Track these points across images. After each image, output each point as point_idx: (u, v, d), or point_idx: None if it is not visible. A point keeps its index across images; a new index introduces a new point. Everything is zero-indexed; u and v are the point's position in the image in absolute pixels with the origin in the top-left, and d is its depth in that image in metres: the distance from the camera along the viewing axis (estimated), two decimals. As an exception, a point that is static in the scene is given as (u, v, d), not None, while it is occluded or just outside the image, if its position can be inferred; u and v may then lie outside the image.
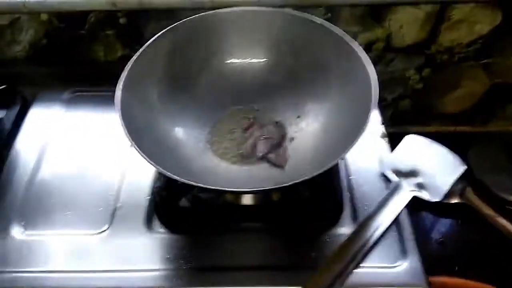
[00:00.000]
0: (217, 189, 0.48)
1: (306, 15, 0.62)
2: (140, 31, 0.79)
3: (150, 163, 0.48)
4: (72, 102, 0.75)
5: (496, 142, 0.99)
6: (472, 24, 0.78)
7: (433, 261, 0.62)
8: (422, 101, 0.94)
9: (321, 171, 0.48)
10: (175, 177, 0.48)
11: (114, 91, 0.55)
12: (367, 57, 0.57)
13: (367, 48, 0.79)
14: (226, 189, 0.48)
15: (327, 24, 0.61)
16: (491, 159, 0.92)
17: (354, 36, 0.60)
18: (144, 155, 0.49)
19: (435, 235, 0.80)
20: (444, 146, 0.68)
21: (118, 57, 0.83)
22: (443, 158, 0.66)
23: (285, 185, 0.48)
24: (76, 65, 0.83)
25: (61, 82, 0.79)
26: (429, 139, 0.68)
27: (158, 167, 0.48)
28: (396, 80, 0.88)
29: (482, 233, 0.83)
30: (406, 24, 0.78)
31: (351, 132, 0.54)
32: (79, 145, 0.68)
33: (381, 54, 0.83)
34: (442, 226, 0.82)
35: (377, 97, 0.53)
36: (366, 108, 0.53)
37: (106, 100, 0.73)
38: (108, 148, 0.67)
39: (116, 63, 0.82)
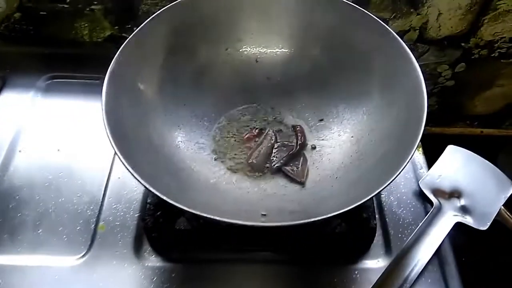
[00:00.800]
0: (222, 221, 0.37)
1: (337, -3, 0.51)
2: (133, 7, 0.66)
3: (139, 181, 0.37)
4: (49, 89, 0.64)
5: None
6: (520, 16, 0.67)
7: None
8: (450, 100, 0.84)
9: (353, 205, 0.37)
10: (170, 201, 0.36)
11: (99, 79, 0.44)
12: (411, 53, 0.46)
13: (398, 38, 0.68)
14: (233, 221, 0.37)
15: (363, 10, 0.49)
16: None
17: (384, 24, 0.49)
18: (132, 170, 0.37)
19: (462, 254, 0.72)
20: (488, 162, 0.58)
21: (106, 37, 0.71)
22: (488, 175, 0.56)
23: (306, 221, 0.37)
24: (55, 45, 0.70)
25: (36, 65, 0.67)
26: (472, 153, 0.58)
27: (149, 187, 0.37)
28: (426, 75, 0.77)
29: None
30: (446, 12, 0.66)
31: (394, 147, 0.43)
32: (55, 143, 0.57)
33: (412, 46, 0.72)
34: (470, 244, 0.74)
35: (427, 104, 0.43)
36: (415, 118, 0.42)
37: (90, 88, 0.63)
38: (91, 149, 0.56)
39: (103, 45, 0.71)
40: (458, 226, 0.52)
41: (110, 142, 0.38)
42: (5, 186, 0.52)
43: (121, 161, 0.37)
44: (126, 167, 0.37)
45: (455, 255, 0.50)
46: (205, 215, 0.36)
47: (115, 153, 0.38)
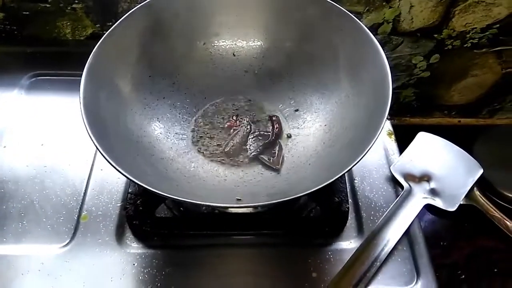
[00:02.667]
0: (200, 204, 0.39)
1: (308, -9, 0.53)
2: (113, 5, 0.68)
3: (118, 170, 0.39)
4: (32, 87, 0.65)
5: (503, 135, 0.93)
6: (489, 7, 0.70)
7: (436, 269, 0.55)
8: (426, 91, 0.86)
9: (323, 184, 0.39)
10: (149, 188, 0.38)
11: (81, 75, 0.45)
12: (378, 43, 0.48)
13: (372, 31, 0.70)
14: (210, 204, 0.39)
15: (332, 3, 0.51)
16: (497, 154, 0.85)
17: (358, 17, 0.51)
18: (111, 160, 0.39)
19: (437, 239, 0.74)
20: (458, 147, 0.60)
21: (88, 35, 0.72)
22: (457, 160, 0.59)
23: (278, 201, 0.39)
24: (38, 44, 0.71)
25: (20, 63, 0.68)
26: (442, 138, 0.60)
27: (128, 175, 0.39)
28: (401, 67, 0.80)
29: (489, 237, 0.77)
30: (417, 4, 0.69)
31: (362, 133, 0.45)
32: (39, 138, 0.59)
33: (386, 38, 0.74)
34: (445, 229, 0.76)
35: (391, 92, 0.45)
36: (381, 106, 0.44)
37: (72, 85, 0.62)
38: (73, 142, 0.58)
39: (85, 42, 0.72)
40: (435, 211, 0.54)
41: (89, 135, 0.40)
42: (-10, 180, 0.54)
43: (100, 153, 0.39)
44: (105, 159, 0.39)
45: (430, 241, 0.53)
46: (183, 199, 0.38)
47: (95, 145, 0.39)
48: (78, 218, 0.50)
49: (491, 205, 0.77)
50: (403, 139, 0.64)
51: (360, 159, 0.40)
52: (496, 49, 0.77)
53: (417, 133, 0.63)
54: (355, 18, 0.50)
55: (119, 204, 0.52)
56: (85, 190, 0.53)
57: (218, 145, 0.54)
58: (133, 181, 0.38)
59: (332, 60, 0.53)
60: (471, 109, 0.92)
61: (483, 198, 0.77)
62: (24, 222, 0.50)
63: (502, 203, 0.78)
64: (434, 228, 0.71)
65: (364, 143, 0.42)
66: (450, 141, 0.61)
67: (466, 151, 0.61)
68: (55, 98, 0.64)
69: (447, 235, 0.78)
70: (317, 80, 0.55)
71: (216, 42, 0.58)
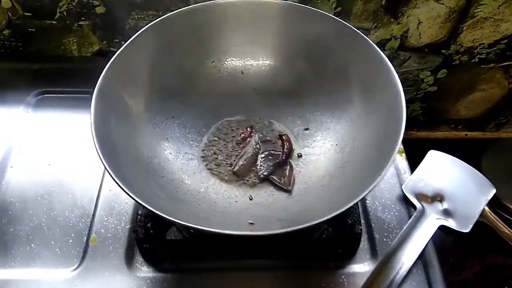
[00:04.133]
0: (211, 231, 0.38)
1: (318, 11, 0.52)
2: (120, 22, 0.67)
3: (129, 195, 0.38)
4: (39, 104, 0.65)
5: (510, 149, 0.93)
6: (498, 23, 0.70)
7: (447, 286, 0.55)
8: (433, 105, 0.86)
9: (338, 211, 0.39)
10: (159, 213, 0.38)
11: (88, 93, 0.45)
12: (390, 63, 0.48)
13: (379, 46, 0.69)
14: (221, 232, 0.38)
15: (344, 22, 0.51)
16: (504, 168, 0.85)
17: (365, 34, 0.51)
18: (121, 183, 0.38)
19: (446, 255, 0.73)
20: (469, 165, 0.59)
21: (94, 51, 0.72)
22: (470, 179, 0.58)
23: (292, 229, 0.38)
24: (45, 60, 0.71)
25: (26, 80, 0.67)
26: (453, 157, 0.60)
27: (138, 199, 0.38)
28: (408, 81, 0.80)
29: (499, 253, 0.77)
30: (425, 21, 0.68)
31: (376, 154, 0.45)
32: (47, 157, 0.58)
33: (394, 54, 0.74)
34: (454, 245, 0.76)
35: (405, 114, 0.44)
36: (394, 127, 0.43)
37: (79, 102, 0.63)
38: (81, 161, 0.57)
39: (92, 59, 0.72)
40: (444, 228, 0.53)
41: (100, 159, 0.39)
42: (-3, 202, 0.53)
43: (111, 176, 0.38)
44: (116, 182, 0.38)
45: (439, 257, 0.52)
46: (194, 226, 0.37)
47: (105, 168, 0.39)
48: (87, 241, 0.50)
49: (500, 221, 0.76)
50: (411, 154, 0.63)
51: (377, 183, 0.39)
52: (504, 64, 0.77)
53: (424, 148, 0.62)
54: (367, 38, 0.49)
55: (128, 226, 0.51)
56: (93, 212, 0.52)
57: (228, 164, 0.53)
58: (144, 206, 0.37)
59: (343, 79, 0.53)
60: (478, 123, 0.91)
61: (493, 214, 0.76)
62: (33, 245, 0.49)
63: (511, 218, 0.78)
64: (442, 245, 0.70)
65: (378, 166, 0.41)
66: (458, 155, 0.61)
67: (473, 165, 0.60)
68: (62, 116, 0.63)
69: (456, 251, 0.77)
70: (327, 99, 0.54)
71: (224, 60, 0.57)
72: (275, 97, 0.57)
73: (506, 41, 0.73)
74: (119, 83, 0.48)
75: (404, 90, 0.81)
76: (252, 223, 0.44)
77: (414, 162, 0.61)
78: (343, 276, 0.48)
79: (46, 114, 0.63)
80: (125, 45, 0.49)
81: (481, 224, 0.66)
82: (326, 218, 0.38)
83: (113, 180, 0.38)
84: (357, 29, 0.51)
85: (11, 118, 0.62)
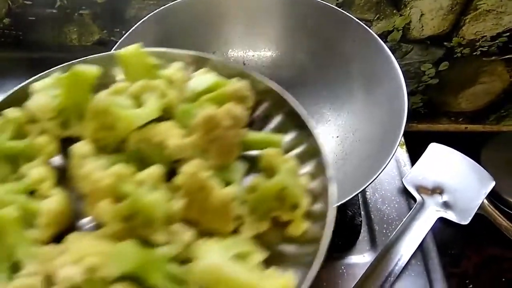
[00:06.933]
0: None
1: (321, 2, 0.52)
2: (121, 12, 0.67)
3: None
4: (39, 94, 0.64)
5: (509, 142, 0.93)
6: (500, 16, 0.69)
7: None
8: (434, 98, 0.86)
9: (339, 203, 0.39)
10: None
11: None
12: (392, 55, 0.48)
13: (381, 38, 0.69)
14: None
15: (346, 13, 0.51)
16: (504, 161, 0.85)
17: (368, 25, 0.51)
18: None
19: (446, 247, 0.74)
20: (469, 158, 0.60)
21: (94, 41, 0.71)
22: (469, 171, 0.58)
23: None
24: (45, 49, 0.70)
25: (26, 69, 0.67)
26: (454, 150, 0.60)
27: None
28: (410, 74, 0.80)
29: (498, 246, 0.77)
30: (428, 12, 0.68)
31: (376, 147, 0.45)
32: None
33: (396, 46, 0.74)
34: (453, 237, 0.76)
35: (407, 108, 0.44)
36: (396, 120, 0.43)
37: None
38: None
39: (92, 48, 0.71)
40: (444, 220, 0.54)
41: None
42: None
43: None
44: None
45: (439, 249, 0.52)
46: None
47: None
48: None
49: (499, 214, 0.76)
50: (411, 146, 0.63)
51: (377, 176, 0.40)
52: (506, 57, 0.77)
53: (425, 140, 0.62)
54: (369, 29, 0.49)
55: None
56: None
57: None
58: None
59: (344, 70, 0.53)
60: (479, 116, 0.91)
61: (491, 207, 0.76)
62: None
63: (510, 211, 0.78)
64: (442, 237, 0.71)
65: (379, 159, 0.41)
66: (458, 148, 0.61)
67: (473, 158, 0.60)
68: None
69: (455, 243, 0.77)
70: (328, 90, 0.54)
71: (226, 51, 0.57)
72: (276, 88, 0.57)
73: (508, 34, 0.72)
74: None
75: (405, 83, 0.81)
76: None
77: (413, 155, 0.61)
78: (342, 267, 0.49)
79: (46, 103, 0.63)
80: (126, 34, 0.48)
81: (480, 216, 0.66)
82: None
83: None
84: (360, 20, 0.50)
85: (12, 108, 0.62)
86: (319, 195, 0.30)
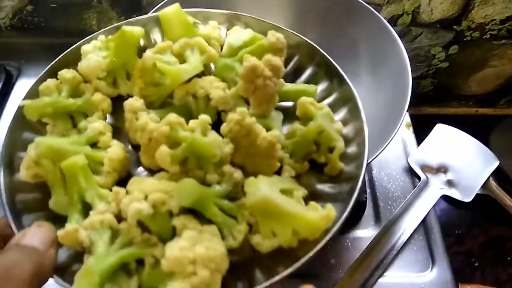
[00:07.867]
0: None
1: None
2: (138, -2, 0.70)
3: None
4: (61, 78, 0.67)
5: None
6: (510, -2, 0.70)
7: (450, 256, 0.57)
8: (444, 81, 0.87)
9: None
10: None
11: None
12: (399, 38, 0.50)
13: (391, 22, 0.70)
14: None
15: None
16: (512, 145, 0.86)
17: (377, 9, 0.52)
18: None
19: (452, 227, 0.76)
20: (475, 139, 0.61)
21: (113, 27, 0.74)
22: (474, 151, 0.60)
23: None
24: (65, 35, 0.74)
25: (48, 54, 0.70)
26: (460, 130, 0.61)
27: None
28: (420, 57, 0.81)
29: (504, 226, 0.78)
30: (437, -4, 0.69)
31: (381, 127, 0.47)
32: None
33: (405, 29, 0.75)
34: (460, 218, 0.78)
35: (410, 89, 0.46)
36: (400, 101, 0.45)
37: None
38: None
39: (111, 34, 0.74)
40: (450, 200, 0.55)
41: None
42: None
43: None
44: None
45: (444, 229, 0.54)
46: None
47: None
48: None
49: (506, 195, 0.78)
50: (421, 129, 0.65)
51: (379, 154, 0.42)
52: (515, 40, 0.77)
53: (434, 123, 0.64)
54: (376, 12, 0.51)
55: None
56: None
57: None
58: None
59: (351, 53, 0.54)
60: (489, 99, 0.92)
61: (499, 188, 0.78)
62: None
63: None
64: (449, 217, 0.73)
65: (383, 138, 0.43)
66: (467, 131, 0.63)
67: (482, 141, 0.62)
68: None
69: (462, 224, 0.79)
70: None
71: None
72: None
73: (518, 17, 0.73)
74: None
75: (415, 66, 0.82)
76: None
77: (424, 137, 0.63)
78: (348, 241, 0.51)
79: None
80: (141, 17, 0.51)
81: (488, 198, 0.68)
82: None
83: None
84: (369, 4, 0.52)
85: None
86: (353, 138, 0.34)
